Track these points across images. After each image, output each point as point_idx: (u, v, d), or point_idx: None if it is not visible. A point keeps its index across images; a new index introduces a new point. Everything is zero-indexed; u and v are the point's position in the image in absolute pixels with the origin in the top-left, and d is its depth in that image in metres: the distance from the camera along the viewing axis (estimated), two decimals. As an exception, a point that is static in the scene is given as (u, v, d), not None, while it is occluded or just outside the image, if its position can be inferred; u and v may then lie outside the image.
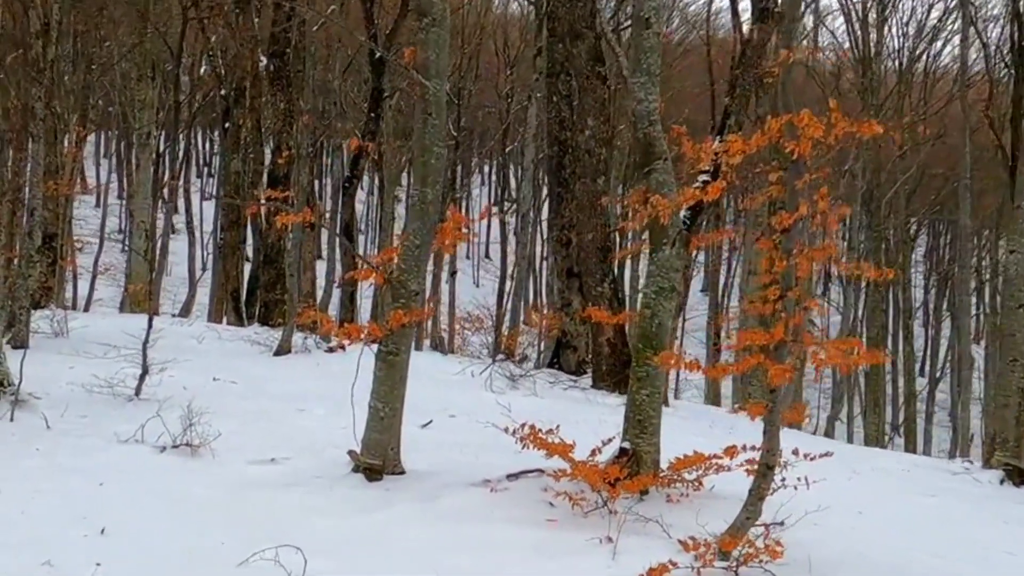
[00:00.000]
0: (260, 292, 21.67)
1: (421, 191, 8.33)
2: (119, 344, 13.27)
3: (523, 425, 8.21)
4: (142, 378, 11.63)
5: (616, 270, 17.58)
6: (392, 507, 7.93)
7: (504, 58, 41.21)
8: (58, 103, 24.73)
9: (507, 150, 44.06)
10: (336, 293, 29.06)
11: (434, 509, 7.91)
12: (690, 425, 13.83)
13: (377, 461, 8.49)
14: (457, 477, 8.68)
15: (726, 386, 29.64)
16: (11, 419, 10.37)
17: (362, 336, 8.21)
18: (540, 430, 8.14)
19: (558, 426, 8.24)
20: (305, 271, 23.89)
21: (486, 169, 59.57)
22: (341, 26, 25.33)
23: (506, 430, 8.28)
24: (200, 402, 11.06)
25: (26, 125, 15.97)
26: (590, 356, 17.10)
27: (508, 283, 42.63)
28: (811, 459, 7.44)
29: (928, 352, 45.21)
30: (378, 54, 26.44)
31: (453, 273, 37.30)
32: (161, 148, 32.12)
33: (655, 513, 7.78)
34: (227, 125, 26.88)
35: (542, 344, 25.61)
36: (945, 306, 45.43)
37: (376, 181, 37.72)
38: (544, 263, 52.27)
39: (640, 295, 8.62)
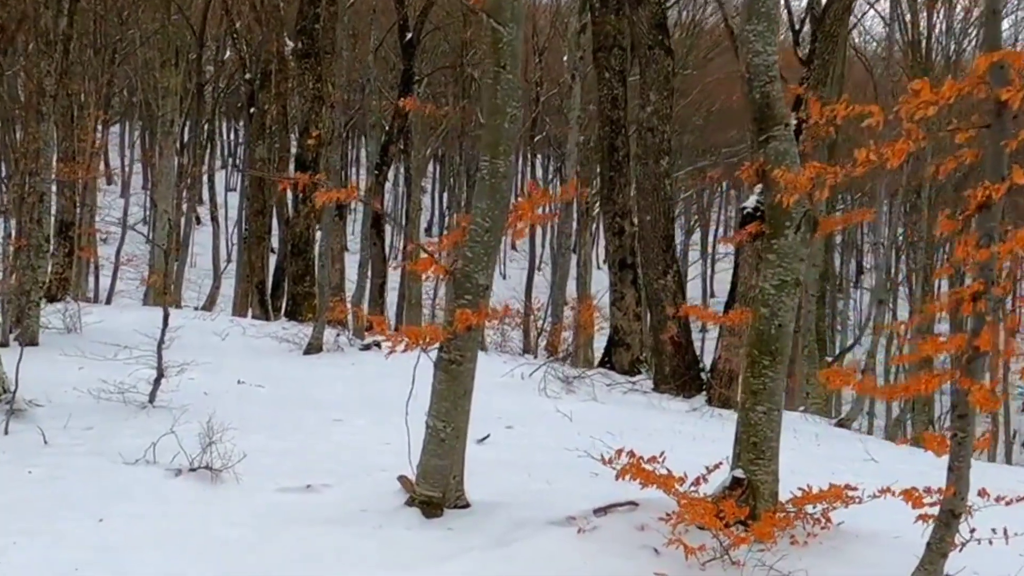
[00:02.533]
0: (287, 285, 20.01)
1: (491, 162, 6.62)
2: (135, 342, 11.64)
3: (619, 452, 6.49)
4: (157, 383, 10.00)
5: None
6: (459, 556, 6.22)
7: (533, 45, 39.40)
8: (78, 87, 23.29)
9: (535, 139, 42.25)
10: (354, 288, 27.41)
11: (512, 557, 6.20)
12: None
13: (436, 492, 6.79)
14: (532, 511, 6.96)
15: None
16: (4, 432, 8.77)
17: (422, 342, 6.50)
18: (641, 458, 6.41)
19: (663, 454, 6.52)
20: (333, 263, 22.18)
21: (511, 159, 57.68)
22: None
23: (605, 460, 6.54)
24: (222, 411, 9.43)
25: (36, 103, 14.30)
26: (645, 355, 15.38)
27: (536, 275, 41.00)
28: (1007, 503, 5.69)
29: None
30: (408, 36, 24.92)
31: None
32: (185, 137, 30.63)
33: (788, 565, 6.07)
34: (252, 111, 25.25)
35: (572, 341, 23.88)
36: None
37: (403, 171, 36.03)
38: (574, 254, 50.57)
39: (756, 291, 6.77)
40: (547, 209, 6.97)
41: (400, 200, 43.56)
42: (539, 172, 48.33)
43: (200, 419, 8.69)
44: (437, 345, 6.76)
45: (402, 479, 7.35)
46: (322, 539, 6.51)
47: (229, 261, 36.75)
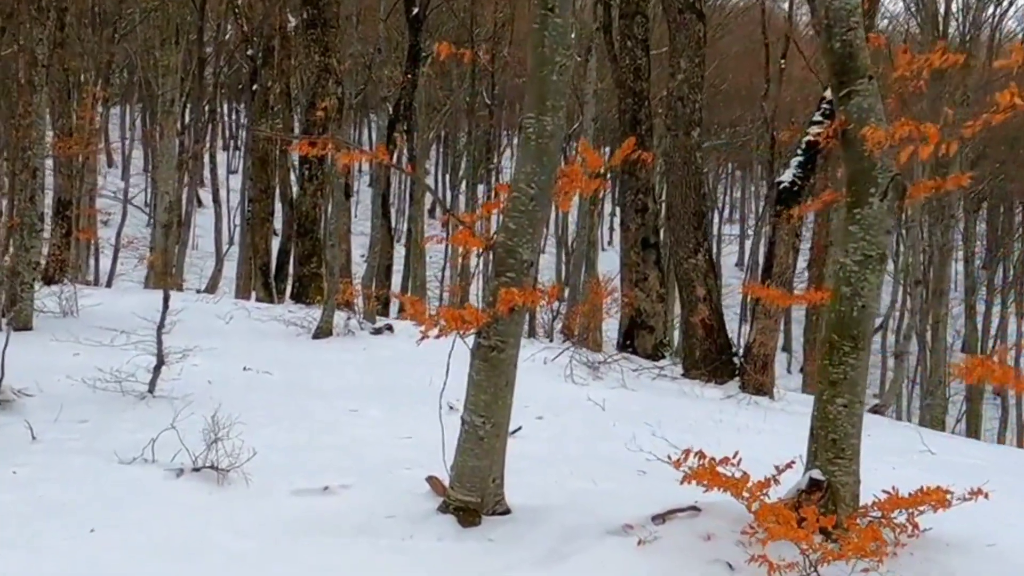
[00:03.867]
0: (294, 266, 19.05)
1: (538, 120, 5.68)
2: (133, 326, 10.73)
3: (687, 453, 5.58)
4: (157, 370, 9.09)
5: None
6: (505, 574, 5.32)
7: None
8: (76, 63, 22.31)
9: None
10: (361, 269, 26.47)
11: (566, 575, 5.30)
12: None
13: (474, 497, 5.89)
14: (581, 517, 6.07)
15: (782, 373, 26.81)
16: (-12, 426, 7.84)
17: (461, 325, 5.59)
18: (713, 459, 5.51)
19: (737, 456, 5.61)
20: (340, 244, 21.21)
21: (515, 141, 56.63)
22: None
23: (675, 463, 5.63)
24: (228, 401, 8.56)
25: (28, 73, 13.34)
26: (667, 338, 14.48)
27: (548, 258, 40.00)
28: None
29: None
30: (415, 10, 23.93)
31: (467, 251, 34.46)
32: (186, 119, 29.62)
33: (885, 583, 5.18)
34: (255, 88, 24.24)
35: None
36: None
37: (407, 153, 35.10)
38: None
39: (836, 267, 5.80)
40: (600, 175, 6.02)
41: (404, 181, 42.67)
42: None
43: (204, 410, 7.80)
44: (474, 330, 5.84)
45: (431, 480, 6.46)
46: (344, 552, 5.61)
47: (231, 243, 35.81)
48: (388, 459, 7.35)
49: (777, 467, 6.01)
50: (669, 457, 5.67)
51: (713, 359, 12.49)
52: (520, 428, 8.46)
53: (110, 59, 29.44)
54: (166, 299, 9.22)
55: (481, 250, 5.78)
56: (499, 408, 5.86)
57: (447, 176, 52.80)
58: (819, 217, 20.66)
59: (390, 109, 24.80)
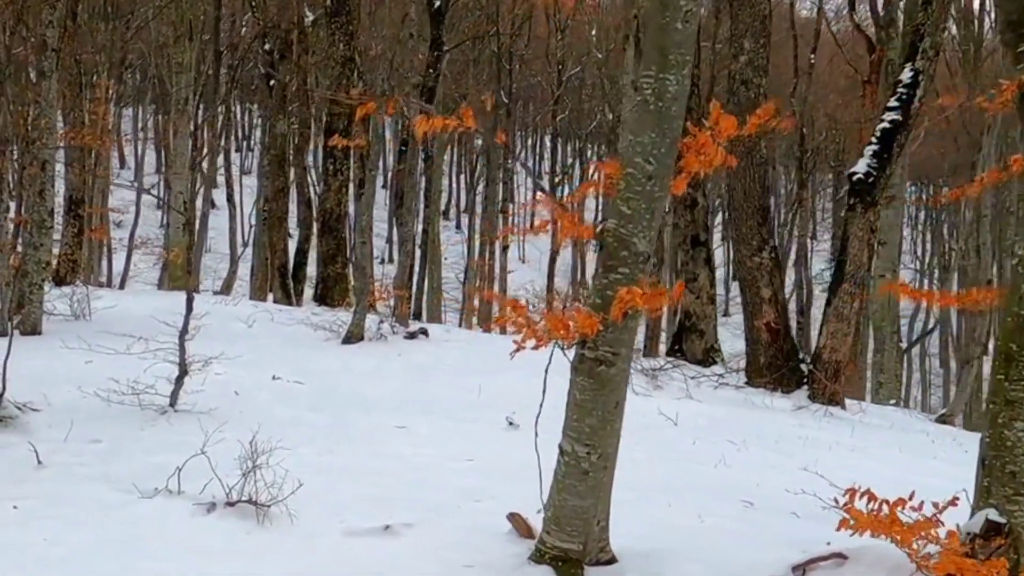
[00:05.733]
0: (316, 266, 17.89)
1: (657, 79, 4.52)
2: (151, 331, 9.58)
3: (851, 492, 4.40)
4: (179, 381, 7.94)
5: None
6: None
7: (555, 22, 37.22)
8: (89, 57, 21.20)
9: (558, 119, 40.02)
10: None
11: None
12: (914, 444, 9.85)
13: (574, 544, 4.73)
14: (701, 567, 4.92)
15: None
16: (-12, 447, 6.70)
17: (567, 333, 4.44)
18: (886, 501, 4.33)
19: (914, 497, 4.43)
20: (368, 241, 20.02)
21: (529, 142, 55.38)
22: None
23: (845, 507, 4.45)
24: (259, 416, 7.47)
25: (37, 59, 12.19)
26: (718, 343, 13.32)
27: (565, 259, 38.83)
28: None
29: None
30: (436, 3, 22.79)
31: (505, 247, 33.22)
32: (199, 119, 28.50)
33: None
34: (272, 83, 23.09)
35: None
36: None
37: (422, 152, 33.89)
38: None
39: (1011, 258, 4.58)
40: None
41: (418, 182, 41.50)
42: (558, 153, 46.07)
43: (233, 428, 6.71)
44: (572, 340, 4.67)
45: (513, 518, 5.29)
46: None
47: (245, 245, 34.68)
48: (452, 489, 6.18)
49: (936, 504, 4.85)
50: (835, 500, 4.48)
51: (779, 366, 11.30)
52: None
53: (123, 56, 28.36)
54: (190, 301, 8.06)
55: (588, 240, 4.61)
56: (607, 435, 4.70)
57: (461, 177, 51.71)
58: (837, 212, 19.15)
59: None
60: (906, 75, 11.10)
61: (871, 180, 10.87)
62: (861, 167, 10.94)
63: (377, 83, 22.40)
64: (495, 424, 8.19)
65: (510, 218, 38.70)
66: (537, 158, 55.99)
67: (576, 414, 4.68)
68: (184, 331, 7.95)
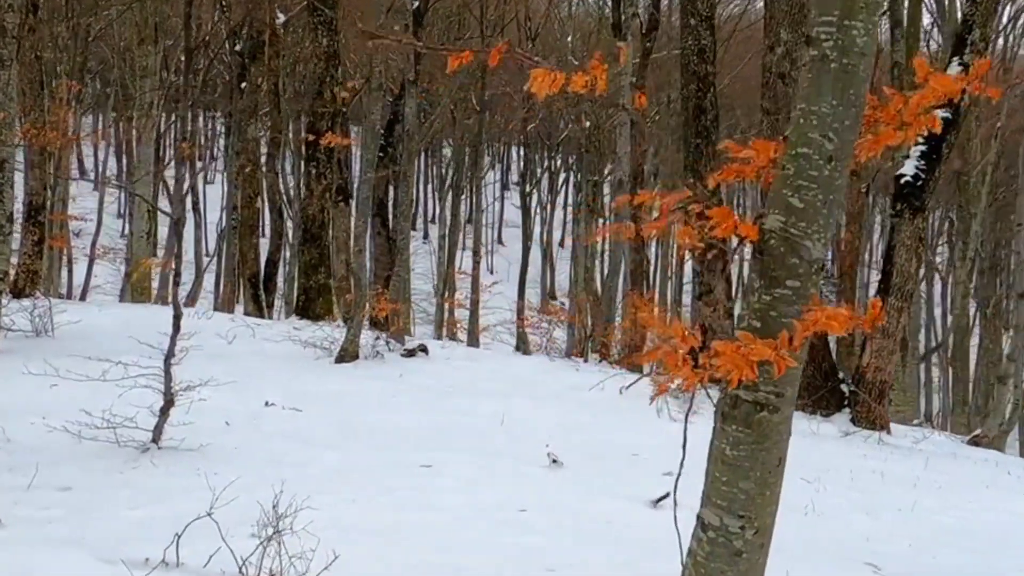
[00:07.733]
0: (299, 277, 16.53)
1: (840, 30, 3.32)
2: (123, 349, 8.24)
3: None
4: (164, 413, 6.60)
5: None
6: None
7: (527, 31, 36.04)
8: (50, 55, 19.73)
9: (528, 127, 38.84)
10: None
11: None
12: (994, 479, 8.66)
13: (723, 651, 3.47)
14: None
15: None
16: (-70, 503, 5.33)
17: (707, 372, 3.24)
18: None
19: None
20: (339, 252, 18.69)
21: (499, 151, 54.11)
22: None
23: None
24: (257, 453, 6.35)
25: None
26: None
27: (531, 269, 37.54)
28: None
29: None
30: (416, 3, 21.58)
31: (476, 261, 31.74)
32: (162, 126, 27.03)
33: None
34: (243, 85, 21.69)
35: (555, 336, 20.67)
36: None
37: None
38: (560, 248, 47.08)
39: None
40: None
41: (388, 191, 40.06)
42: (526, 163, 44.91)
43: (232, 468, 5.51)
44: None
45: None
46: None
47: (210, 256, 33.08)
48: (517, 555, 4.92)
49: None
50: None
51: (818, 386, 10.15)
52: (668, 495, 6.08)
53: (84, 60, 26.83)
54: (177, 319, 6.71)
55: (747, 239, 3.41)
56: (765, 503, 3.47)
57: (428, 186, 50.30)
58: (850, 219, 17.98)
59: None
60: (954, 69, 10.03)
61: (919, 183, 9.79)
62: (908, 169, 9.85)
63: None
64: (532, 461, 6.96)
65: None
66: (504, 168, 54.81)
67: (726, 475, 3.45)
68: (170, 354, 6.61)
